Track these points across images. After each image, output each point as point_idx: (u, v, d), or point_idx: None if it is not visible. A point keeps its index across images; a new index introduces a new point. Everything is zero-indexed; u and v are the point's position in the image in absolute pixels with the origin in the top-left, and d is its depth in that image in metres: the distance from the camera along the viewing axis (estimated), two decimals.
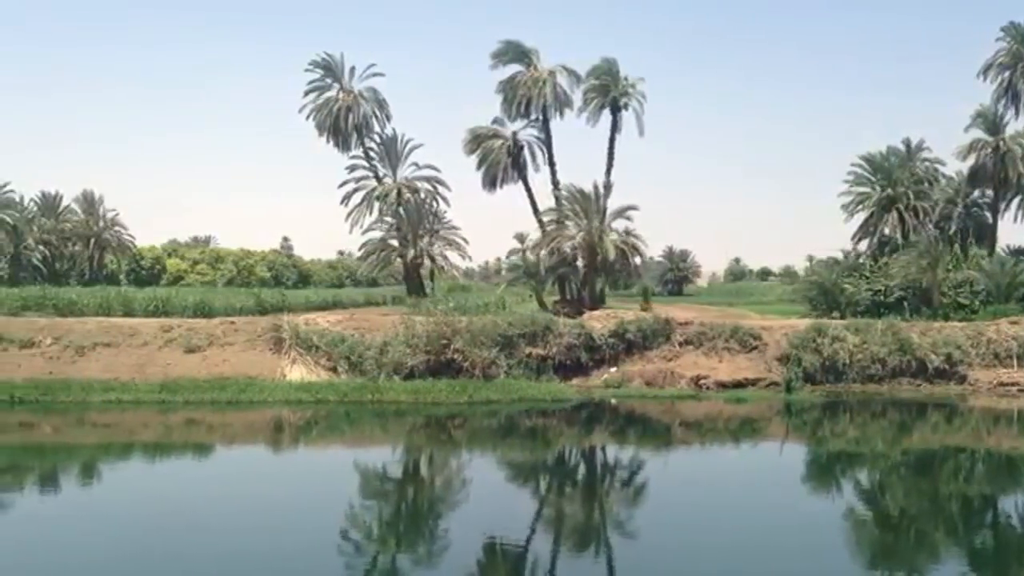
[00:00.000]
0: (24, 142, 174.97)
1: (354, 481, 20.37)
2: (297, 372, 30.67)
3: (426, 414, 27.79)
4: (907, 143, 48.98)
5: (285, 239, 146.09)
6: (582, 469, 23.44)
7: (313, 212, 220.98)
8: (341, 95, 47.67)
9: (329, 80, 48.11)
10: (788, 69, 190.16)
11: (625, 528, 16.61)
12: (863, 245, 50.25)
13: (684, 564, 13.88)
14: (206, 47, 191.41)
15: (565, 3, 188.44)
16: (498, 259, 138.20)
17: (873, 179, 48.53)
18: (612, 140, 46.46)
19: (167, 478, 20.52)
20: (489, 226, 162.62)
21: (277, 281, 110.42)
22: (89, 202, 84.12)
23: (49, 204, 78.59)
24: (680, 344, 32.94)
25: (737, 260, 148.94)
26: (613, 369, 32.11)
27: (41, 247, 72.72)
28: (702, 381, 31.28)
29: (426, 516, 17.54)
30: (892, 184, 47.32)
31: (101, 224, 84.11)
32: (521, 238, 53.98)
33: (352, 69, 48.46)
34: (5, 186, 68.73)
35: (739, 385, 31.17)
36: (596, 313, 36.05)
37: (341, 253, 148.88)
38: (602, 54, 49.62)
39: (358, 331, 32.21)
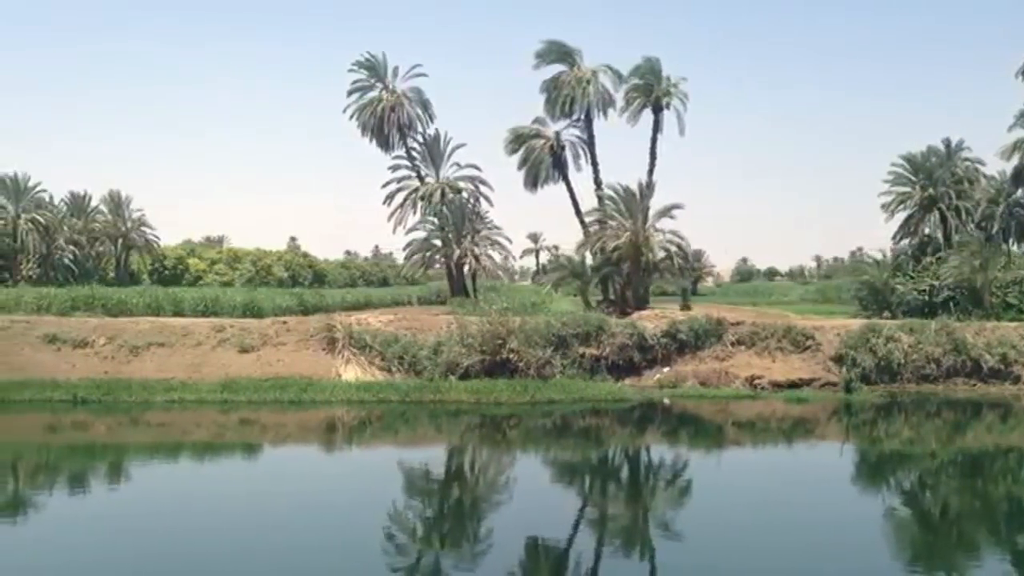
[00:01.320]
0: (26, 141, 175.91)
1: (403, 480, 20.44)
2: (351, 372, 30.68)
3: (484, 414, 27.78)
4: (947, 143, 48.72)
5: (293, 239, 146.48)
6: (631, 469, 23.25)
7: (318, 212, 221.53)
8: (385, 95, 47.65)
9: (373, 80, 48.11)
10: (789, 69, 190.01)
11: (671, 528, 16.47)
12: (902, 244, 49.86)
13: (729, 564, 13.76)
14: (207, 47, 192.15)
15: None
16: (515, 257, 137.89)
17: (914, 179, 48.24)
18: (654, 140, 46.53)
19: (213, 477, 20.58)
20: (513, 226, 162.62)
21: (294, 281, 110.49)
22: (116, 202, 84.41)
23: (78, 204, 78.90)
24: (732, 344, 32.81)
25: (744, 260, 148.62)
26: (666, 369, 32.02)
27: (71, 247, 72.92)
28: (756, 381, 31.14)
29: (472, 515, 17.50)
30: (933, 184, 47.04)
31: (129, 224, 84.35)
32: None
33: (396, 69, 48.65)
34: (37, 186, 69.03)
35: (794, 385, 31.02)
36: (645, 313, 35.97)
37: (348, 253, 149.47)
38: (643, 53, 49.37)
39: (410, 331, 32.20)
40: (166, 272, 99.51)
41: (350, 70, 48.21)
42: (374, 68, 47.62)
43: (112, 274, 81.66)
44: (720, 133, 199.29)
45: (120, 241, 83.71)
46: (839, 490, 19.80)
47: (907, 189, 48.49)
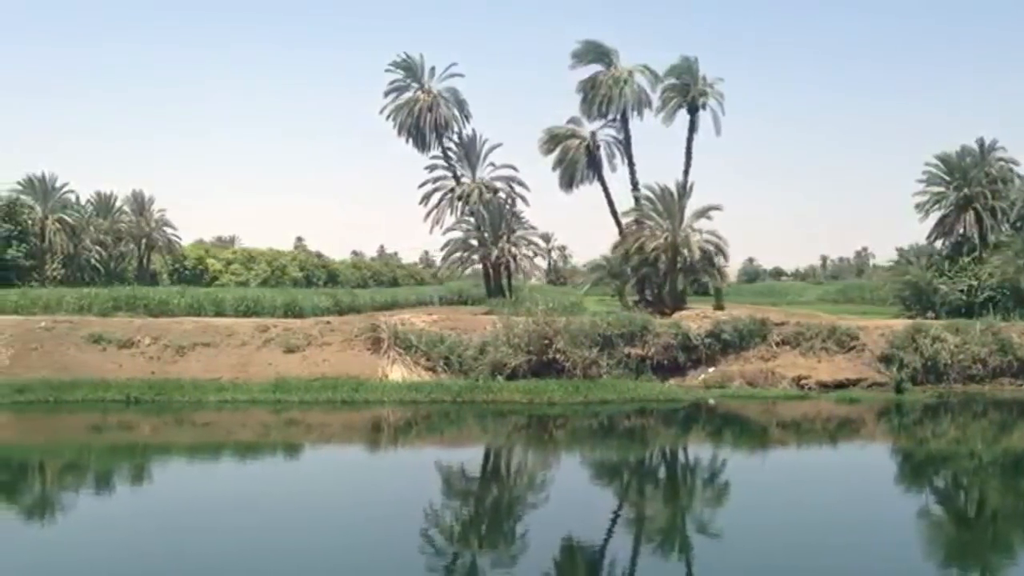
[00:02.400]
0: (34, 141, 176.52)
1: (444, 480, 20.56)
2: (397, 372, 30.70)
3: (531, 414, 27.79)
4: (980, 143, 48.44)
5: (299, 239, 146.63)
6: (674, 469, 23.22)
7: (325, 213, 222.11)
8: (421, 95, 47.62)
9: (409, 80, 48.10)
10: (787, 69, 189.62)
11: (709, 528, 16.48)
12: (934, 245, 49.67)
13: (767, 563, 13.76)
14: (207, 48, 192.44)
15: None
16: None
17: (948, 179, 48.04)
18: (690, 140, 46.55)
19: (253, 477, 20.65)
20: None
21: (308, 281, 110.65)
22: (139, 202, 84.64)
23: (104, 204, 79.11)
24: (777, 344, 32.73)
25: (751, 260, 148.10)
26: (711, 369, 31.98)
27: (97, 247, 73.11)
28: (803, 381, 31.10)
29: (511, 515, 17.55)
30: (968, 184, 46.83)
31: (153, 224, 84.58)
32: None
33: (432, 69, 48.59)
34: (64, 186, 69.16)
35: (841, 386, 31.00)
36: (686, 313, 35.91)
37: (355, 253, 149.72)
38: (680, 53, 49.25)
39: (454, 331, 32.21)
40: (185, 272, 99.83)
41: (387, 70, 48.22)
42: (411, 68, 47.58)
43: (133, 274, 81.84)
44: (724, 133, 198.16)
45: (144, 241, 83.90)
46: (882, 490, 19.88)
47: (941, 189, 48.30)
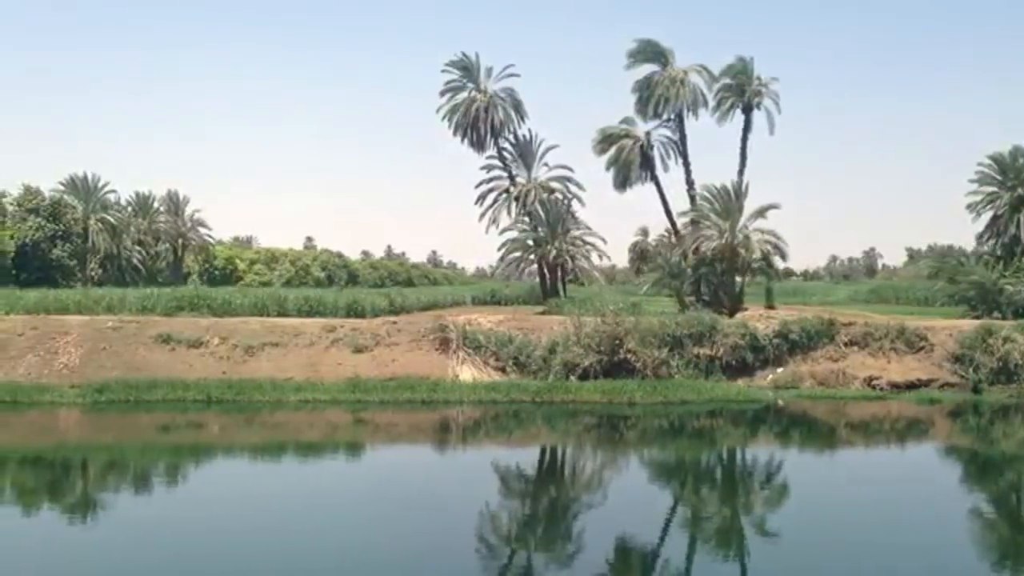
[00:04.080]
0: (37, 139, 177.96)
1: (513, 480, 20.68)
2: (467, 372, 30.76)
3: (610, 414, 27.80)
4: None
5: (309, 239, 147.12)
6: (738, 469, 23.02)
7: (335, 213, 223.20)
8: (478, 96, 47.66)
9: (465, 80, 48.15)
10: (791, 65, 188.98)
11: (768, 528, 16.41)
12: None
13: (824, 563, 13.74)
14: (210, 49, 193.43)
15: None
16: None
17: (1001, 179, 47.74)
18: (744, 140, 46.55)
19: (314, 476, 20.71)
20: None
21: (330, 281, 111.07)
22: (174, 202, 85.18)
23: (142, 204, 79.62)
24: (845, 344, 32.60)
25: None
26: (779, 369, 31.89)
27: (137, 248, 73.57)
28: (875, 382, 30.97)
29: (569, 515, 17.51)
30: (1021, 184, 46.51)
31: (188, 224, 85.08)
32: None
33: (489, 70, 48.57)
34: (106, 186, 69.61)
35: (912, 386, 30.90)
36: (748, 313, 35.80)
37: (365, 254, 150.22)
38: (736, 53, 49.16)
39: (521, 331, 32.24)
40: (216, 272, 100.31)
41: (443, 70, 48.25)
42: (467, 68, 47.56)
43: (167, 274, 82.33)
44: (733, 133, 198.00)
45: (180, 241, 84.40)
46: (946, 490, 19.86)
47: (994, 189, 48.01)
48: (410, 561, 13.62)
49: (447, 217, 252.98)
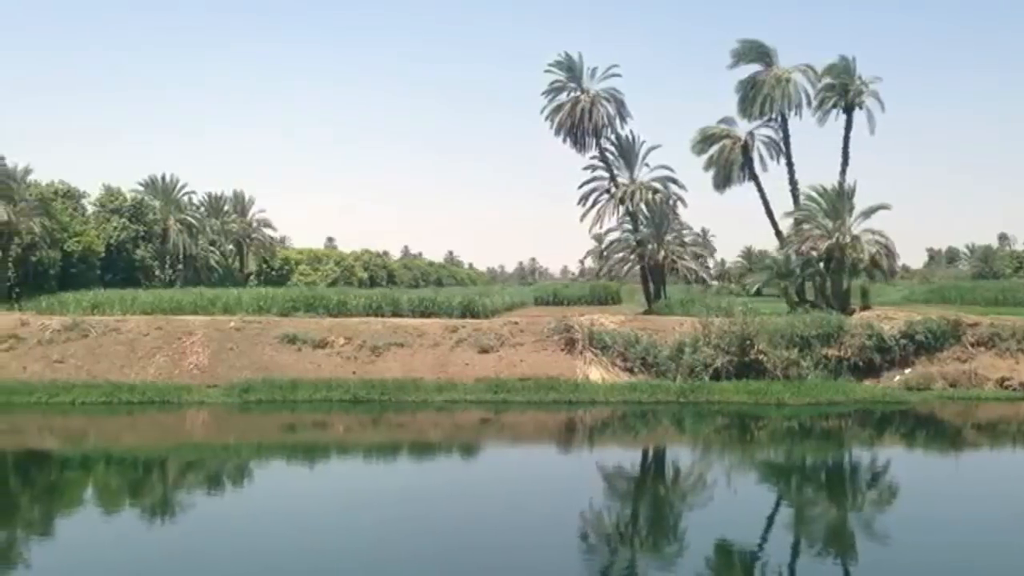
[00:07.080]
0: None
1: (635, 479, 20.97)
2: (596, 372, 30.80)
3: (730, 413, 27.78)
4: None
5: (330, 239, 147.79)
6: (864, 471, 22.45)
7: (352, 212, 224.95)
8: (582, 96, 47.68)
9: (568, 81, 48.09)
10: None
11: (877, 530, 16.18)
12: None
13: (932, 563, 13.60)
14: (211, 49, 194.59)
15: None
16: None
17: None
18: (846, 139, 46.14)
19: (429, 474, 20.96)
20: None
21: (372, 281, 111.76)
22: (240, 202, 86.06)
23: (214, 205, 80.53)
24: (972, 345, 32.28)
25: None
26: (907, 370, 31.62)
27: (211, 247, 74.40)
28: (1007, 383, 30.62)
29: (676, 515, 17.50)
30: None
31: (255, 224, 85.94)
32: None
33: (593, 70, 48.31)
34: (184, 186, 70.48)
35: None
36: (866, 314, 35.56)
37: (385, 253, 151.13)
38: (839, 52, 49.02)
39: (644, 331, 32.24)
40: (273, 273, 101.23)
41: (546, 71, 48.16)
42: (571, 69, 47.53)
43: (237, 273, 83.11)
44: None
45: (248, 240, 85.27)
46: None
47: None
48: (512, 554, 13.82)
49: (464, 219, 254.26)
